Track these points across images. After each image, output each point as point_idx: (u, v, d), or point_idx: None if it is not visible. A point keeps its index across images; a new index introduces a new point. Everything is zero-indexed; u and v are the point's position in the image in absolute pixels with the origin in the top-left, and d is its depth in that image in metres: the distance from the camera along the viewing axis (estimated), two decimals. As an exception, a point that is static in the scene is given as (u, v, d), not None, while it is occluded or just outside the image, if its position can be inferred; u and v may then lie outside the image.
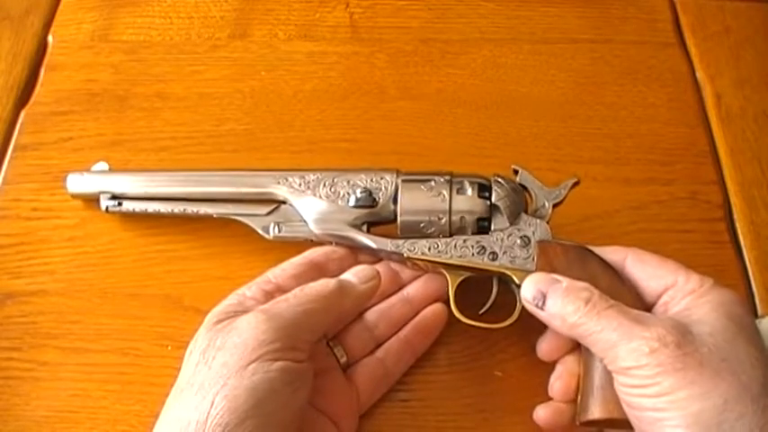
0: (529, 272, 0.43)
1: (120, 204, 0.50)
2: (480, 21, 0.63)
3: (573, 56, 0.61)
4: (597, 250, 0.44)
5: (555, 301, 0.41)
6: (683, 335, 0.37)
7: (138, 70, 0.60)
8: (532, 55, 0.61)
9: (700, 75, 0.60)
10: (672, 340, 0.37)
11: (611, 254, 0.44)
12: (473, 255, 0.44)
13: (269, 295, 0.42)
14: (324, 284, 0.41)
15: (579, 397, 0.42)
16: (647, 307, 0.42)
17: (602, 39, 0.62)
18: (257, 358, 0.37)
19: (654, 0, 0.65)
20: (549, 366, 0.46)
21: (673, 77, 0.60)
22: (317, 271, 0.45)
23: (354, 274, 0.43)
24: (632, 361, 0.37)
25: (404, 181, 0.46)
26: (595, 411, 0.40)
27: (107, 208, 0.50)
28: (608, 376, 0.40)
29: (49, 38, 0.62)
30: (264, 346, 0.37)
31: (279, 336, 0.38)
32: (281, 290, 0.42)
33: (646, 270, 0.42)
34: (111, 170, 0.51)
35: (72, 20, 0.63)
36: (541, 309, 0.41)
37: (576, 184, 0.47)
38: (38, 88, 0.59)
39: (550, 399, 0.44)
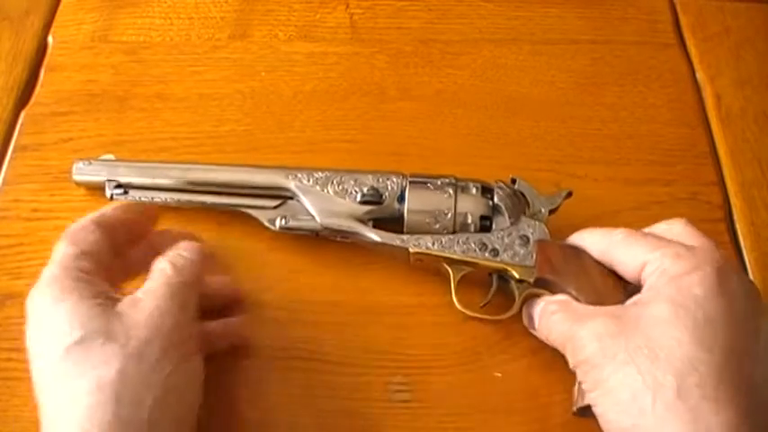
0: (529, 267, 0.46)
1: (125, 193, 0.50)
2: (480, 21, 0.63)
3: (573, 56, 0.61)
4: (591, 231, 0.45)
5: (537, 318, 0.45)
6: (618, 327, 0.38)
7: (138, 71, 0.60)
8: (532, 56, 0.61)
9: (700, 75, 0.60)
10: (606, 333, 0.38)
11: (604, 236, 0.44)
12: (475, 250, 0.46)
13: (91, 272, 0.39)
14: (193, 265, 0.40)
15: (576, 385, 0.43)
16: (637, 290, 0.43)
17: (602, 39, 0.62)
18: (189, 351, 0.38)
19: (654, 1, 0.65)
20: (549, 367, 0.46)
21: (673, 78, 0.60)
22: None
23: (199, 254, 0.42)
24: (573, 358, 0.40)
25: (411, 182, 0.48)
26: None
27: (112, 196, 0.50)
28: None
29: (49, 38, 0.62)
30: (191, 339, 0.39)
31: (195, 327, 0.40)
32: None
33: (630, 250, 0.42)
34: (118, 159, 0.52)
35: (72, 20, 0.63)
36: (534, 329, 0.45)
37: (569, 195, 0.49)
38: (38, 89, 0.59)
39: (551, 399, 0.45)
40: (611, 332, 0.38)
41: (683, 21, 0.64)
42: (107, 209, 0.43)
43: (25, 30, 0.62)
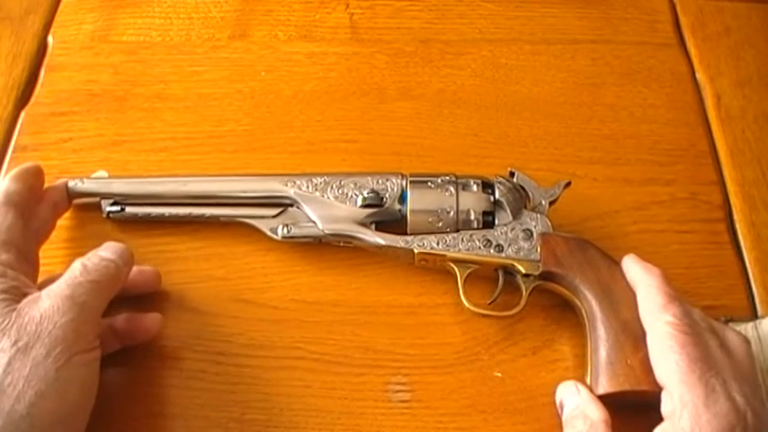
0: (534, 261, 0.46)
1: (122, 210, 0.50)
2: (480, 21, 0.63)
3: (573, 56, 0.61)
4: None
5: (564, 419, 0.43)
6: None
7: (138, 71, 0.60)
8: (532, 55, 0.61)
9: (699, 75, 0.60)
10: None
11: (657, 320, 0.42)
12: (480, 248, 0.46)
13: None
14: (106, 267, 0.42)
15: (589, 373, 0.44)
16: None
17: (602, 39, 0.62)
18: (80, 351, 0.38)
19: (654, 1, 0.65)
20: (549, 367, 0.47)
21: (673, 78, 0.60)
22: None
23: (119, 256, 0.43)
24: None
25: (411, 181, 0.48)
26: (606, 385, 0.42)
27: (108, 213, 0.50)
28: (616, 352, 0.42)
29: (50, 38, 0.62)
30: (83, 338, 0.39)
31: (92, 327, 0.40)
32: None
33: (665, 355, 0.40)
34: (111, 176, 0.51)
35: (72, 20, 0.63)
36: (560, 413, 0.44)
37: (568, 184, 0.49)
38: (38, 89, 0.59)
39: (551, 399, 0.45)
40: None
41: (683, 21, 0.64)
42: (8, 186, 0.45)
43: (25, 30, 0.62)
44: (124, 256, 0.44)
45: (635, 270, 0.44)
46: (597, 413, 0.41)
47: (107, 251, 0.43)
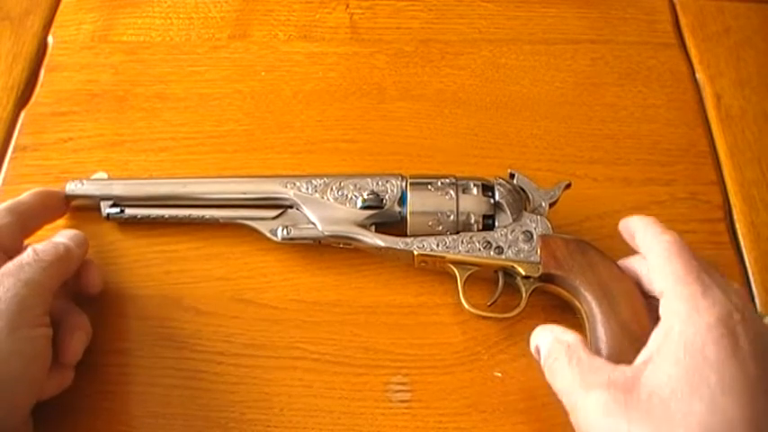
0: (534, 263, 0.46)
1: (122, 211, 0.50)
2: (480, 21, 0.63)
3: (573, 56, 0.61)
4: (643, 220, 0.44)
5: (543, 357, 0.43)
6: (626, 406, 0.36)
7: (138, 71, 0.60)
8: (532, 55, 0.61)
9: (700, 75, 0.60)
10: (609, 413, 0.37)
11: (654, 235, 0.43)
12: (480, 249, 0.46)
13: None
14: (55, 248, 0.44)
15: None
16: (651, 295, 0.43)
17: (601, 39, 0.62)
18: (25, 324, 0.39)
19: (654, 0, 0.65)
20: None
21: (673, 78, 0.60)
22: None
23: (70, 239, 0.45)
24: (573, 422, 0.40)
25: (411, 183, 0.48)
26: None
27: (108, 215, 0.50)
28: (616, 353, 0.42)
29: (49, 38, 0.62)
30: (27, 311, 0.40)
31: (38, 302, 0.41)
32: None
33: (662, 265, 0.41)
34: (111, 178, 0.51)
35: (72, 20, 0.63)
36: (540, 361, 0.44)
37: (568, 186, 0.49)
38: (38, 89, 0.59)
39: (551, 399, 0.45)
40: (615, 411, 0.37)
41: (683, 21, 0.64)
42: (22, 197, 0.48)
43: (25, 30, 0.62)
44: (75, 239, 0.46)
45: (631, 221, 0.45)
46: (572, 336, 0.42)
47: (59, 236, 0.45)
